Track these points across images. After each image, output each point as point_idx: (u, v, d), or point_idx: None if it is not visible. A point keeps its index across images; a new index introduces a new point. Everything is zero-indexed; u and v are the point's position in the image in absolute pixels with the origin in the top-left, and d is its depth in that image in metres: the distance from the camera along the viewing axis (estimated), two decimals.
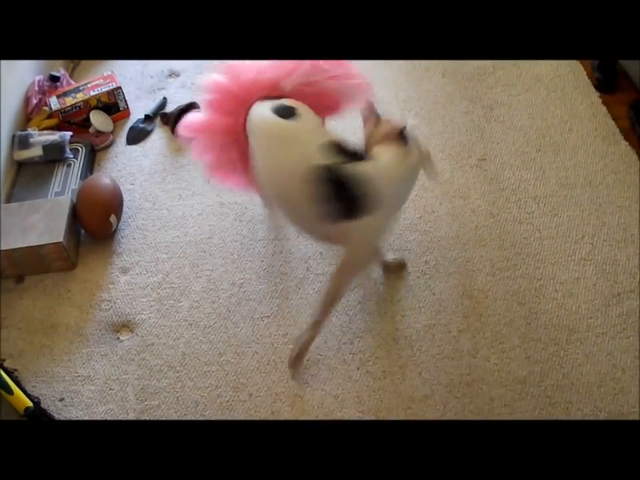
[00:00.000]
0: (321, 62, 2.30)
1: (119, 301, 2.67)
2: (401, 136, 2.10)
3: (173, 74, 3.74)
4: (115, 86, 3.39)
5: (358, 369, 2.40)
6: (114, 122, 3.45)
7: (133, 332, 2.57)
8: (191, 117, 2.52)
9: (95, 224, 2.82)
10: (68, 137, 3.16)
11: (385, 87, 3.54)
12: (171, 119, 3.34)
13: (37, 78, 3.44)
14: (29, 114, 3.37)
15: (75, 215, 2.82)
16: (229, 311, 2.59)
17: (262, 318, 2.56)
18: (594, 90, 3.48)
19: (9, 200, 2.99)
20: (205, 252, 2.80)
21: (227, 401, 2.35)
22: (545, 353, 2.42)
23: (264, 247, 2.79)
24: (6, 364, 2.42)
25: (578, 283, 2.61)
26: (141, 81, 3.70)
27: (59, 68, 3.58)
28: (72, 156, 3.14)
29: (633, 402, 2.27)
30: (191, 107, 3.37)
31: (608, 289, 2.59)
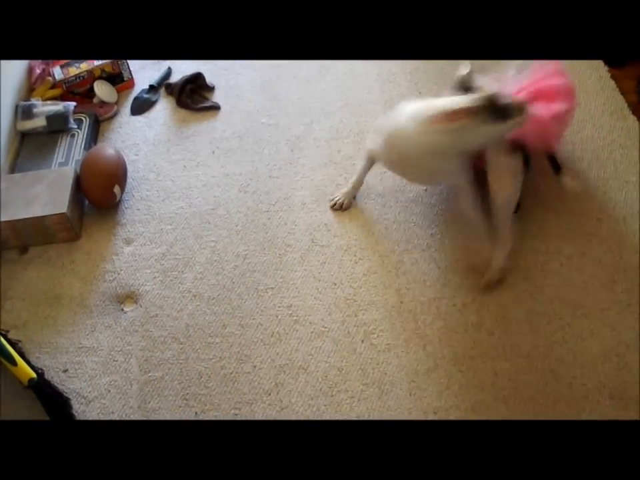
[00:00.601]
0: None
1: (122, 272, 2.66)
2: None
3: None
4: None
5: (362, 341, 2.40)
6: (118, 92, 3.41)
7: (136, 303, 2.56)
8: None
9: (99, 195, 2.81)
10: (72, 108, 3.14)
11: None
12: (176, 90, 3.33)
13: None
14: (32, 84, 3.34)
15: (79, 186, 2.80)
16: (233, 283, 2.59)
17: (266, 290, 2.56)
18: (602, 64, 3.44)
19: (12, 171, 2.98)
20: (209, 223, 2.79)
21: (231, 373, 2.35)
22: (549, 328, 2.41)
23: (268, 218, 2.78)
24: (10, 335, 2.42)
25: (584, 257, 2.60)
26: None
27: None
28: (76, 126, 3.12)
29: (636, 378, 2.26)
30: (196, 77, 3.36)
31: (614, 265, 2.57)
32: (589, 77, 3.36)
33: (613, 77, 3.36)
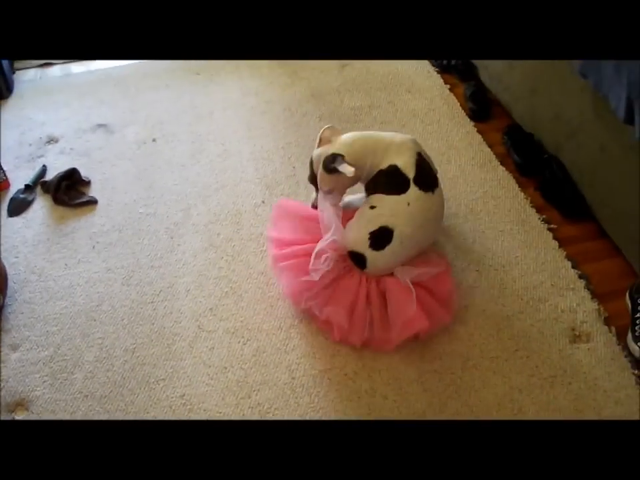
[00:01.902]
0: None
1: (11, 379, 2.58)
2: None
3: (52, 140, 3.69)
4: None
5: None
6: None
7: (28, 410, 2.48)
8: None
9: None
10: None
11: (263, 136, 3.61)
12: (52, 187, 3.29)
13: None
14: None
15: None
16: (124, 378, 2.54)
17: (157, 381, 2.52)
18: (468, 120, 3.59)
19: None
20: (95, 320, 2.74)
21: None
22: (441, 384, 2.46)
23: (154, 309, 2.76)
24: None
25: (467, 310, 2.68)
26: (19, 149, 3.63)
27: None
28: None
29: (531, 419, 2.33)
30: (71, 173, 3.35)
31: (497, 313, 2.67)
32: (457, 133, 3.50)
33: (479, 132, 3.53)
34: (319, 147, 2.77)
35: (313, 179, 2.79)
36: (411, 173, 2.55)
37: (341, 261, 2.59)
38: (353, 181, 2.71)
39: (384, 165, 2.61)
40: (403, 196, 2.53)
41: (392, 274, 2.59)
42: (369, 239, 2.53)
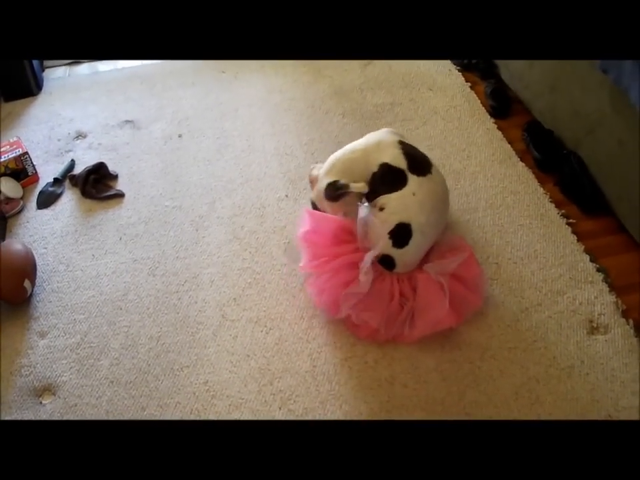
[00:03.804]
0: None
1: (38, 365, 2.64)
2: None
3: (80, 135, 3.76)
4: (21, 152, 3.38)
5: (280, 408, 2.43)
6: (23, 187, 3.42)
7: (55, 395, 2.55)
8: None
9: (9, 290, 2.79)
10: None
11: (287, 132, 3.67)
12: (80, 181, 3.37)
13: None
14: None
15: None
16: (149, 365, 2.60)
17: (181, 368, 2.58)
18: (489, 117, 3.62)
19: None
20: (121, 309, 2.80)
21: None
22: (460, 373, 2.49)
23: (179, 298, 2.82)
24: None
25: (487, 301, 2.71)
26: (48, 144, 3.71)
27: None
28: None
29: (549, 410, 2.37)
30: (99, 167, 3.42)
31: (516, 305, 2.71)
32: (477, 130, 3.53)
33: (499, 128, 3.56)
34: (312, 188, 2.87)
35: None
36: (402, 163, 2.59)
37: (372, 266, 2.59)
38: (360, 195, 2.75)
39: (374, 168, 2.65)
40: (405, 189, 2.56)
41: (421, 269, 2.62)
42: (390, 238, 2.56)
